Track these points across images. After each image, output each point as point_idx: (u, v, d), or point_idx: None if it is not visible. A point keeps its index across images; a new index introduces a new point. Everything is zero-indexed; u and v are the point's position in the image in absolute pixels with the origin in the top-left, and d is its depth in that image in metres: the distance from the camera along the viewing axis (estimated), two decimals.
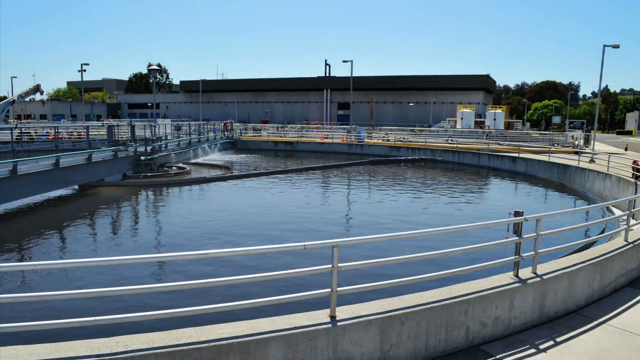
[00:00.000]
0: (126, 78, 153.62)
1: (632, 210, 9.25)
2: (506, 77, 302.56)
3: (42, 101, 69.03)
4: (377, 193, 25.72)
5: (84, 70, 57.63)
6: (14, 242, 15.07)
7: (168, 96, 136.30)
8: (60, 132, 38.60)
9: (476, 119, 78.72)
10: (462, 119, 75.82)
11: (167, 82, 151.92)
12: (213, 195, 24.06)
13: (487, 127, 71.54)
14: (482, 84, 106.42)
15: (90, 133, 30.00)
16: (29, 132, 41.40)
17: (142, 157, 28.06)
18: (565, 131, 73.19)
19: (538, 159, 32.31)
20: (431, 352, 5.63)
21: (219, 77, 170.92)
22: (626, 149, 41.90)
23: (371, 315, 5.20)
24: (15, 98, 48.10)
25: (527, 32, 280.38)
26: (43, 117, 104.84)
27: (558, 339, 6.16)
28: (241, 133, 58.82)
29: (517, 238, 6.48)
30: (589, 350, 5.88)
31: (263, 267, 11.21)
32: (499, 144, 47.11)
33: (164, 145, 33.49)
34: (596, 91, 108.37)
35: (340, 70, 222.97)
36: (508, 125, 79.22)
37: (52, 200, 21.23)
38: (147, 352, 4.21)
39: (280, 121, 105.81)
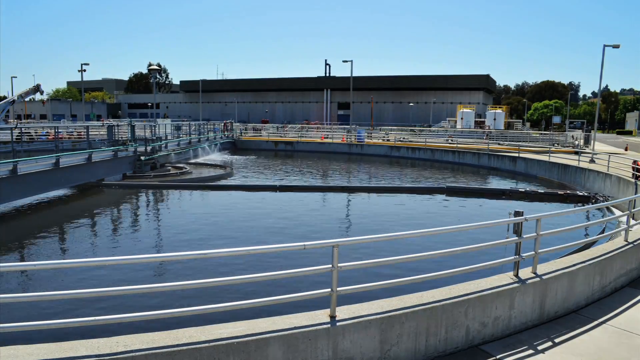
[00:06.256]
0: (126, 78, 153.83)
1: (632, 210, 9.25)
2: (506, 77, 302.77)
3: (42, 101, 68.87)
4: (377, 193, 25.66)
5: (84, 70, 57.62)
6: (14, 242, 15.06)
7: (168, 96, 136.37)
8: (60, 132, 38.69)
9: (476, 119, 78.83)
10: (462, 119, 75.90)
11: (167, 82, 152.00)
12: (213, 195, 24.05)
13: (487, 127, 71.60)
14: (482, 84, 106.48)
15: (90, 133, 30.05)
16: (29, 132, 41.42)
17: (142, 157, 28.06)
18: (565, 131, 73.18)
19: (538, 159, 32.32)
20: (431, 352, 5.63)
21: (219, 77, 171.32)
22: (626, 149, 41.90)
23: (371, 315, 5.20)
24: (15, 98, 48.04)
25: (527, 32, 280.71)
26: (43, 117, 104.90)
27: (558, 339, 6.16)
28: (241, 133, 58.84)
29: (517, 238, 6.48)
30: (589, 350, 5.88)
31: (263, 267, 11.21)
32: (499, 143, 47.15)
33: (164, 145, 33.50)
34: (596, 91, 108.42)
35: (340, 70, 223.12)
36: (508, 125, 79.29)
37: (52, 200, 21.22)
38: (147, 352, 4.21)
39: (280, 121, 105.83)
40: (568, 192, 23.17)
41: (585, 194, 22.41)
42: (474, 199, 23.42)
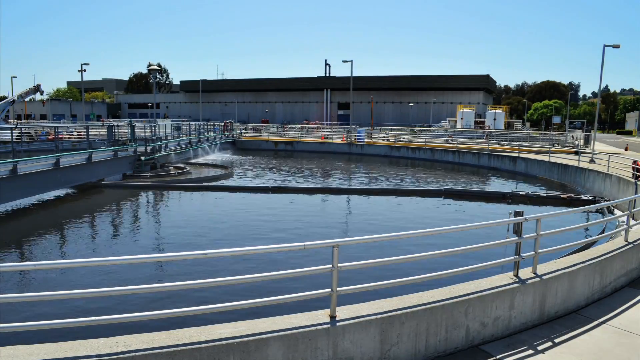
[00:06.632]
0: (126, 78, 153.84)
1: (632, 210, 9.25)
2: (506, 77, 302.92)
3: (42, 101, 69.06)
4: (371, 195, 25.60)
5: (84, 70, 57.62)
6: (14, 242, 15.06)
7: (168, 96, 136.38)
8: (60, 132, 38.71)
9: (476, 119, 78.87)
10: (462, 119, 75.92)
11: (167, 82, 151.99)
12: (213, 195, 24.05)
13: (487, 127, 71.61)
14: (482, 84, 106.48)
15: (90, 133, 30.06)
16: (29, 132, 41.43)
17: (142, 157, 28.07)
18: (565, 131, 73.20)
19: (538, 159, 32.33)
20: (431, 352, 5.63)
21: (219, 77, 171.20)
22: (626, 149, 41.90)
23: (371, 315, 5.20)
24: (15, 98, 48.08)
25: (528, 32, 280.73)
26: (43, 117, 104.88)
27: (558, 339, 6.16)
28: (241, 133, 58.84)
29: (517, 238, 6.48)
30: (589, 350, 5.88)
31: (263, 267, 11.21)
32: (499, 144, 47.16)
33: (164, 145, 33.51)
34: (596, 91, 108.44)
35: (340, 70, 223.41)
36: (508, 125, 79.32)
37: (52, 200, 21.22)
38: (147, 352, 4.21)
39: (280, 121, 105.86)
40: (572, 195, 21.94)
41: (590, 198, 21.10)
42: (473, 202, 22.28)
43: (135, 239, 15.85)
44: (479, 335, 6.00)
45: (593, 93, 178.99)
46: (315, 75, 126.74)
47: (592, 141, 39.19)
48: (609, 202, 18.32)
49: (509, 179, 31.78)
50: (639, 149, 43.88)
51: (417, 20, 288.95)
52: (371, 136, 56.48)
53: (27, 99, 55.86)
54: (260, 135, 60.60)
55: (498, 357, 5.68)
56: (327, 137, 54.94)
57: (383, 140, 54.10)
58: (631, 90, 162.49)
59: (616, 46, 31.41)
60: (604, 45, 31.07)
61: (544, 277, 6.66)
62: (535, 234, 6.72)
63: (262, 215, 18.57)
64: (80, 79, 60.45)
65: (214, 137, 48.69)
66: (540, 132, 75.78)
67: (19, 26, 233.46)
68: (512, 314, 6.30)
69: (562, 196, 21.95)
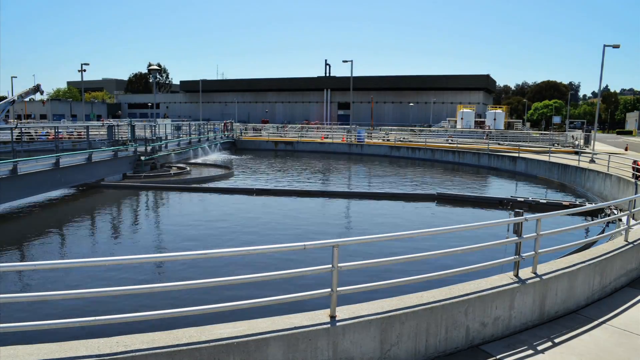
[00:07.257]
0: (126, 78, 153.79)
1: (632, 210, 9.25)
2: (506, 77, 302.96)
3: (42, 101, 69.04)
4: (359, 198, 25.39)
5: (84, 70, 57.62)
6: (14, 242, 15.06)
7: (168, 96, 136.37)
8: (60, 132, 38.71)
9: (476, 119, 78.86)
10: (462, 119, 75.93)
11: (167, 82, 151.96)
12: (213, 195, 24.04)
13: (487, 127, 71.60)
14: (482, 84, 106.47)
15: (90, 133, 30.06)
16: (29, 132, 41.44)
17: (142, 157, 28.06)
18: (565, 131, 73.17)
19: (538, 159, 32.33)
20: (431, 352, 5.63)
21: (219, 77, 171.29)
22: (626, 149, 41.89)
23: (371, 315, 5.20)
24: (15, 98, 48.09)
25: (528, 32, 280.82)
26: (43, 117, 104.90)
27: (558, 339, 6.16)
28: (241, 133, 58.84)
29: (517, 238, 6.48)
30: (589, 350, 5.87)
31: (263, 267, 11.21)
32: (499, 143, 47.16)
33: (164, 145, 33.50)
34: (596, 91, 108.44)
35: (340, 70, 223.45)
36: (508, 125, 79.34)
37: (52, 200, 21.22)
38: (147, 352, 4.21)
39: (280, 121, 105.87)
40: (577, 202, 20.60)
41: (595, 206, 19.11)
42: (467, 208, 20.76)
43: (135, 239, 15.84)
44: (479, 335, 6.00)
45: (593, 93, 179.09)
46: (315, 75, 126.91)
47: (592, 141, 39.17)
48: (608, 202, 18.27)
49: (509, 179, 31.78)
50: (639, 149, 43.86)
51: (418, 20, 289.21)
52: (371, 136, 56.48)
53: (27, 99, 55.91)
54: (260, 135, 60.60)
55: (498, 357, 5.67)
56: (327, 137, 54.93)
57: (383, 140, 54.11)
58: (631, 90, 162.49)
59: (616, 46, 31.41)
60: (604, 45, 31.09)
61: (544, 277, 6.65)
62: (535, 234, 6.71)
63: (260, 216, 18.56)
64: (80, 79, 60.46)
65: (214, 137, 48.67)
66: (540, 132, 75.77)
67: (19, 26, 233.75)
68: (512, 314, 6.30)
69: (563, 203, 20.32)
